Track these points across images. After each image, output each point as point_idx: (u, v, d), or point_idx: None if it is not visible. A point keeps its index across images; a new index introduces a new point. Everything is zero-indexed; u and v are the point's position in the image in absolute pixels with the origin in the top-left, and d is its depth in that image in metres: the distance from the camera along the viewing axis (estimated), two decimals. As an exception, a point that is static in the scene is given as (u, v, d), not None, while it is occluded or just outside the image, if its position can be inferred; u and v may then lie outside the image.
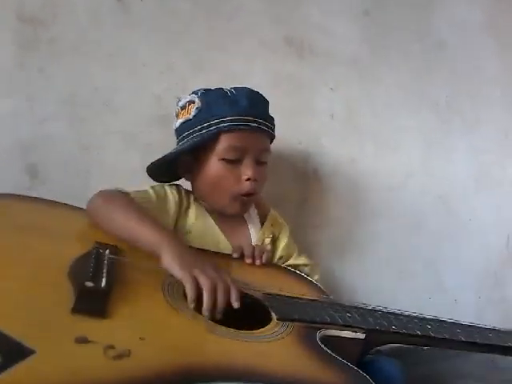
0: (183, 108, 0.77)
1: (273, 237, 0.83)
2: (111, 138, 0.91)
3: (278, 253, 0.83)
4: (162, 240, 0.62)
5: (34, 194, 0.81)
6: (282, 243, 0.84)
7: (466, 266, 1.27)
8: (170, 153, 0.76)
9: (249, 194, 0.75)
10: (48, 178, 0.86)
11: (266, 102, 0.79)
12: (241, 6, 1.06)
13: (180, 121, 0.77)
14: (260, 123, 0.74)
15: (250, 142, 0.74)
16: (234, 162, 0.74)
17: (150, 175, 0.79)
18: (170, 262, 0.58)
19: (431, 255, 1.23)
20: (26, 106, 0.86)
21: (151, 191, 0.74)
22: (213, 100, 0.74)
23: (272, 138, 0.81)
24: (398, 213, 1.19)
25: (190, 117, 0.75)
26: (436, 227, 1.24)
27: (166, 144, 0.92)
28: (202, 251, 0.69)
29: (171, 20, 0.99)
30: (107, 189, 0.69)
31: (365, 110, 1.17)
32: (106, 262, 0.56)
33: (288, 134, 1.04)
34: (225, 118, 0.72)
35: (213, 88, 0.78)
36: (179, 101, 0.78)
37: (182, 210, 0.76)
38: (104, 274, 0.53)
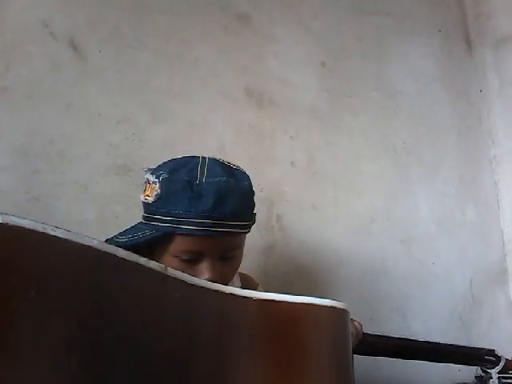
0: (147, 183, 0.67)
1: None
2: (64, 188, 0.88)
3: None
4: None
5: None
6: None
7: (432, 309, 1.26)
8: (125, 244, 0.66)
9: None
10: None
11: (240, 195, 0.66)
12: (201, 57, 1.08)
13: (141, 198, 0.68)
14: (224, 225, 0.63)
15: (209, 246, 0.64)
16: (190, 260, 0.65)
17: None
18: None
19: (398, 300, 1.22)
20: (-26, 157, 0.83)
21: None
22: (173, 191, 0.63)
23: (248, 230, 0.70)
24: (362, 258, 1.18)
25: (150, 201, 0.65)
26: (401, 272, 1.23)
27: (122, 194, 0.91)
28: None
29: (130, 70, 0.99)
30: None
31: (325, 157, 1.18)
32: None
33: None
34: (181, 218, 0.62)
35: (183, 165, 0.67)
36: (146, 172, 0.69)
37: None
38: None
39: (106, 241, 0.68)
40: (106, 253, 0.30)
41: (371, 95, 1.31)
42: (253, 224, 0.72)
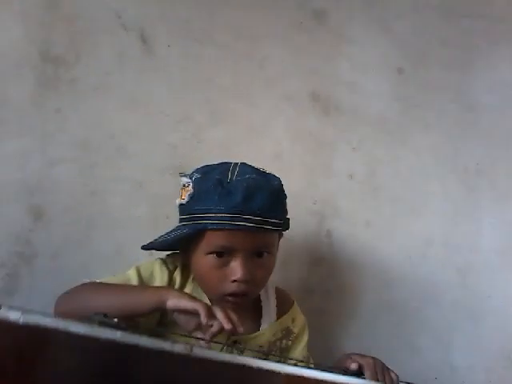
0: (182, 188, 0.72)
1: (289, 334, 0.77)
2: (120, 184, 0.89)
3: (296, 354, 0.77)
4: (163, 289, 0.62)
5: (36, 236, 0.81)
6: (302, 344, 0.79)
7: (479, 345, 1.19)
8: (160, 242, 0.72)
9: (236, 295, 0.68)
10: (51, 220, 0.85)
11: (270, 192, 0.69)
12: (270, 55, 1.04)
13: (177, 201, 0.72)
14: (253, 221, 0.65)
15: (240, 241, 0.66)
16: (222, 257, 0.67)
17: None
18: (178, 298, 0.57)
19: (444, 330, 1.16)
20: (38, 146, 0.86)
21: (133, 272, 0.69)
22: (205, 189, 0.67)
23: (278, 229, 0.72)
24: (413, 283, 1.13)
25: (184, 202, 0.70)
26: (452, 301, 1.16)
27: (175, 195, 0.91)
28: None
29: (195, 66, 0.98)
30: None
31: (387, 172, 1.11)
32: None
33: (303, 192, 1.01)
34: (212, 213, 0.65)
35: (215, 168, 0.71)
36: (181, 177, 0.73)
37: None
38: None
39: (145, 245, 0.73)
40: (128, 345, 0.30)
41: (448, 107, 1.21)
42: (286, 227, 0.74)
